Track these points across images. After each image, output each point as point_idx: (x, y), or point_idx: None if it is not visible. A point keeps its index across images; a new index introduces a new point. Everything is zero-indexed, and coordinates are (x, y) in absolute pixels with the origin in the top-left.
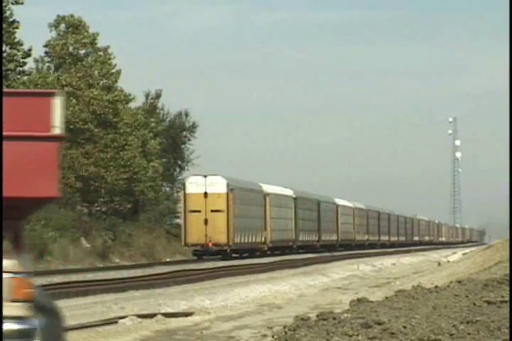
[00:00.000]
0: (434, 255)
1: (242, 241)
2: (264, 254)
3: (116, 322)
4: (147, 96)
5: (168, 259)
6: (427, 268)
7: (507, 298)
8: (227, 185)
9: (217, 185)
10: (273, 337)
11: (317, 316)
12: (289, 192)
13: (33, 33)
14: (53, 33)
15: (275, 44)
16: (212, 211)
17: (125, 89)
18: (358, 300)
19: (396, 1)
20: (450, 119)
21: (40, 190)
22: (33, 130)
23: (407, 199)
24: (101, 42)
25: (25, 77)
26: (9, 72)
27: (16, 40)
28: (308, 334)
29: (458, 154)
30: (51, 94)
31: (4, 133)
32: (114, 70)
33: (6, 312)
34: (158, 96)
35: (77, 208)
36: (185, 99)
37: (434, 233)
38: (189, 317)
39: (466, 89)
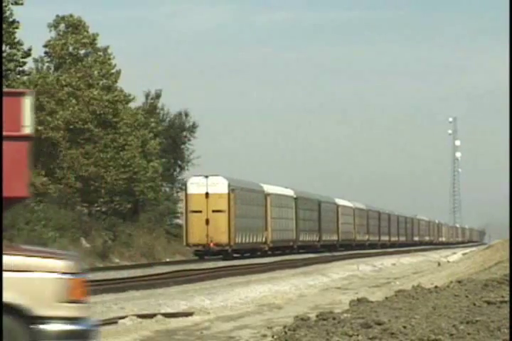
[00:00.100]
0: (434, 255)
1: (243, 241)
2: (264, 254)
3: (116, 323)
4: (147, 96)
5: (168, 259)
6: (426, 268)
7: (507, 298)
8: (229, 186)
9: (219, 186)
10: (273, 337)
11: (317, 316)
12: (289, 192)
13: (33, 33)
14: (53, 33)
15: (275, 44)
16: (213, 211)
17: (125, 89)
18: (358, 300)
19: (396, 1)
20: (450, 119)
21: (9, 189)
22: (3, 129)
23: (407, 199)
24: (101, 43)
25: (24, 77)
26: (9, 72)
27: (15, 40)
28: (308, 334)
29: (458, 154)
30: (21, 94)
31: None
32: (113, 70)
33: (63, 313)
34: (158, 96)
35: (77, 208)
36: (185, 99)
37: (434, 233)
38: (189, 317)
39: (466, 89)
